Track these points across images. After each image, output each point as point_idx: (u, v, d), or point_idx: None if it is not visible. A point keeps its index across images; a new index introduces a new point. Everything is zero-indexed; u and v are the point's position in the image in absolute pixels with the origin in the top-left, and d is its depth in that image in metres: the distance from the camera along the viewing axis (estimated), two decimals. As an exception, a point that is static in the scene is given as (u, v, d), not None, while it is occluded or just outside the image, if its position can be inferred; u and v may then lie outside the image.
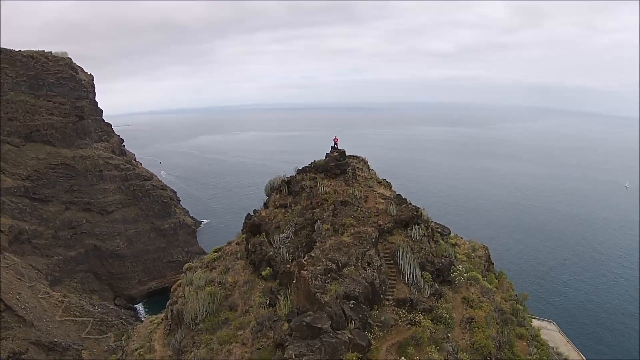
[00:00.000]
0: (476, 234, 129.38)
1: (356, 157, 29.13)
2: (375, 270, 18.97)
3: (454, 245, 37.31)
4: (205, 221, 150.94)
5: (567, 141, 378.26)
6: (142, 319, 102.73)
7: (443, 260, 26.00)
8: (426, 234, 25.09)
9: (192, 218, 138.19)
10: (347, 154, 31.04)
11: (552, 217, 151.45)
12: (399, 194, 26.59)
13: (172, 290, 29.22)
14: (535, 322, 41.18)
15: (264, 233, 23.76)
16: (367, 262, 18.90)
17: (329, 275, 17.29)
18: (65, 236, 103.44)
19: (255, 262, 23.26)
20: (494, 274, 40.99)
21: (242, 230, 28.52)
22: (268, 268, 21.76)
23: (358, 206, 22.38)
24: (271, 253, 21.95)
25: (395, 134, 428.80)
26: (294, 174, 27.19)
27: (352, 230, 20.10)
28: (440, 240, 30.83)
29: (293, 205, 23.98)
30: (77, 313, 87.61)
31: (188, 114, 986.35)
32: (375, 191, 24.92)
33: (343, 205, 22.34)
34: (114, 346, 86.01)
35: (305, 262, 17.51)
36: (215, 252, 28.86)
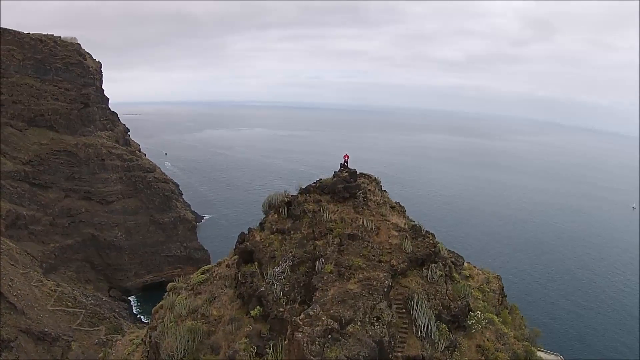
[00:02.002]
0: (475, 248, 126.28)
1: (367, 175, 25.29)
2: (385, 326, 15.36)
3: (467, 277, 33.70)
4: (206, 216, 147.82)
5: (575, 157, 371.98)
6: (135, 312, 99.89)
7: (459, 303, 22.42)
8: (443, 273, 21.43)
9: (194, 213, 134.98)
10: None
11: (556, 236, 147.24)
12: (415, 224, 22.84)
13: (153, 312, 25.73)
14: (543, 356, 37.67)
15: (256, 262, 20.13)
16: (376, 316, 15.28)
17: (330, 336, 13.67)
18: (63, 224, 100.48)
19: (245, 296, 19.65)
20: (507, 308, 37.48)
21: (234, 249, 24.92)
22: (258, 307, 18.17)
23: (368, 241, 18.67)
24: (263, 289, 18.32)
25: (400, 140, 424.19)
26: (295, 193, 23.41)
27: (361, 276, 16.40)
28: (455, 274, 27.17)
29: (292, 231, 20.28)
30: (70, 303, 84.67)
31: (195, 107, 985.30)
32: (389, 221, 21.18)
33: (351, 239, 18.64)
34: (104, 339, 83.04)
35: (300, 322, 13.89)
36: (203, 273, 25.25)
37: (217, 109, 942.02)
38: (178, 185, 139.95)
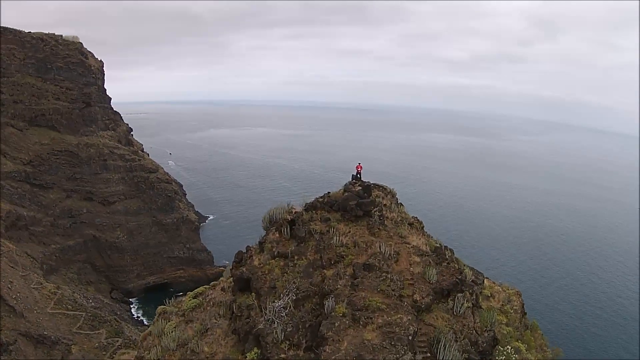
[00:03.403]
0: (477, 248, 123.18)
1: (382, 187, 22.00)
2: (410, 381, 12.29)
3: (489, 297, 30.60)
4: (210, 217, 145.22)
5: (579, 157, 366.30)
6: (136, 314, 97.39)
7: (486, 335, 19.30)
8: (470, 303, 18.28)
9: (197, 213, 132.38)
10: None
11: (559, 236, 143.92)
12: (438, 245, 19.62)
13: (141, 338, 22.81)
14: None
15: (254, 292, 17.04)
16: (400, 372, 12.18)
17: (344, 405, 10.57)
18: (64, 225, 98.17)
19: (240, 332, 16.59)
20: (527, 327, 34.46)
21: (230, 269, 21.84)
22: (256, 349, 15.12)
23: (387, 272, 15.48)
24: (261, 326, 15.24)
25: (404, 139, 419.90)
26: (299, 206, 20.24)
27: (380, 320, 13.21)
28: (480, 298, 23.97)
29: (296, 257, 17.14)
30: (70, 306, 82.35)
31: (199, 106, 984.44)
32: (409, 243, 17.98)
33: (366, 270, 15.46)
34: (105, 343, 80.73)
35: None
36: (195, 297, 22.23)
37: (220, 107, 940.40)
38: (181, 186, 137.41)
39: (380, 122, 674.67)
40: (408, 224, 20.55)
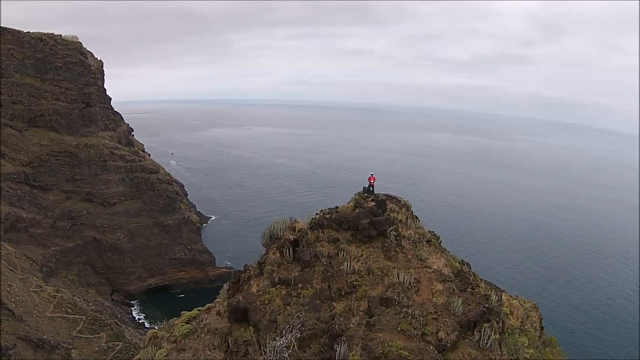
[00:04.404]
0: (475, 248, 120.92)
1: (395, 199, 19.50)
2: None
3: (508, 315, 28.31)
4: (212, 218, 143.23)
5: (582, 158, 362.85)
6: (138, 317, 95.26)
7: (514, 366, 16.97)
8: (497, 334, 15.94)
9: (199, 214, 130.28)
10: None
11: (561, 236, 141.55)
12: (460, 269, 17.18)
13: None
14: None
15: (252, 326, 14.71)
16: None
17: None
18: (64, 226, 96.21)
19: (236, 371, 14.32)
20: (546, 343, 32.17)
21: (227, 290, 19.51)
22: (253, 395, 12.83)
23: (407, 306, 13.12)
24: (260, 367, 12.98)
25: (406, 139, 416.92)
26: (302, 223, 17.80)
27: (404, 371, 10.90)
28: (505, 321, 21.56)
29: (300, 284, 14.79)
30: (69, 310, 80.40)
31: (201, 105, 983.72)
32: (429, 267, 15.58)
33: (384, 304, 13.06)
34: (106, 347, 78.86)
35: None
36: (188, 322, 19.91)
37: (223, 107, 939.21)
38: (183, 186, 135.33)
39: (381, 122, 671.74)
40: (426, 241, 18.16)
